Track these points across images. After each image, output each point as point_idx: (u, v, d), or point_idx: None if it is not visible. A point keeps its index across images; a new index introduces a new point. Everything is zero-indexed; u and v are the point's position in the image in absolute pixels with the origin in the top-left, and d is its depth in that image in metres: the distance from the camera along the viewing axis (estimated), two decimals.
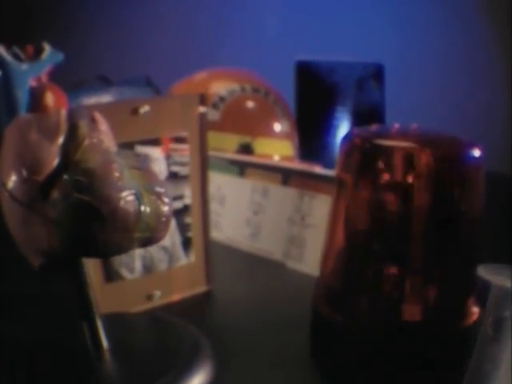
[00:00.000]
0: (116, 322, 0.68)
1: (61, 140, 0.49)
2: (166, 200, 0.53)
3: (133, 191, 0.50)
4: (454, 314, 0.71)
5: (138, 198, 0.50)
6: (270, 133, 1.25)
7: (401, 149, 0.69)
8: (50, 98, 0.63)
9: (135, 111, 0.80)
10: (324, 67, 1.40)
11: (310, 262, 0.94)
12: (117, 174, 0.49)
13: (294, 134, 1.30)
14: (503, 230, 0.92)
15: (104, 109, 0.77)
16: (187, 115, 0.85)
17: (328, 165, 1.01)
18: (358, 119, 1.40)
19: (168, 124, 0.83)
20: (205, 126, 0.86)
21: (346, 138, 0.72)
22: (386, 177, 0.70)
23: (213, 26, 1.87)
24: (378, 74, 1.42)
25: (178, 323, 0.68)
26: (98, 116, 0.54)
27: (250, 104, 1.25)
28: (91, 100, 1.23)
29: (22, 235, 0.51)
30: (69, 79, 1.27)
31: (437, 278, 0.70)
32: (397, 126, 0.74)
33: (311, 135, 1.38)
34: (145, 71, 1.40)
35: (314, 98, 1.42)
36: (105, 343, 0.61)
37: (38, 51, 0.68)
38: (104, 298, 0.76)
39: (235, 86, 1.25)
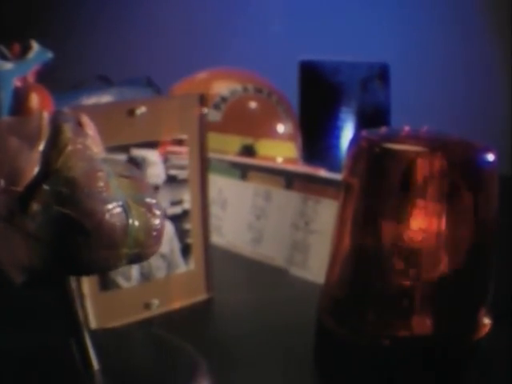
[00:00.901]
0: (109, 338, 0.63)
1: (42, 146, 0.44)
2: (158, 212, 0.48)
3: (120, 203, 0.45)
4: (466, 327, 0.68)
5: (126, 211, 0.45)
6: (272, 134, 1.22)
7: (412, 153, 0.65)
8: (34, 100, 0.58)
9: (131, 112, 0.76)
10: (328, 67, 1.39)
11: (314, 268, 0.91)
12: (102, 184, 0.44)
13: (297, 135, 1.28)
14: (503, 231, 0.89)
15: (98, 110, 0.75)
16: (186, 116, 0.81)
17: (332, 167, 0.99)
18: (363, 120, 1.38)
19: (166, 126, 0.79)
20: (204, 127, 0.83)
21: (354, 140, 0.68)
22: (396, 182, 0.65)
23: (215, 25, 1.85)
24: (383, 73, 1.40)
25: (173, 341, 0.63)
26: (85, 119, 0.49)
27: (253, 104, 1.22)
28: (91, 100, 1.19)
29: (1, 250, 0.46)
30: (69, 79, 1.28)
31: (448, 289, 0.67)
32: (407, 128, 0.69)
33: (315, 137, 1.37)
34: (146, 71, 1.37)
35: (317, 98, 1.41)
36: (95, 363, 0.56)
37: (25, 49, 0.63)
38: (99, 307, 0.75)
39: (237, 86, 1.22)
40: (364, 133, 0.68)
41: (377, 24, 1.69)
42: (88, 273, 0.48)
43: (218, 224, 1.04)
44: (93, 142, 0.47)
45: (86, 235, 0.43)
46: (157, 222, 0.48)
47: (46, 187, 0.43)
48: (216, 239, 0.99)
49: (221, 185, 1.05)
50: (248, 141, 1.18)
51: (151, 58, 1.78)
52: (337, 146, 1.38)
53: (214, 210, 1.04)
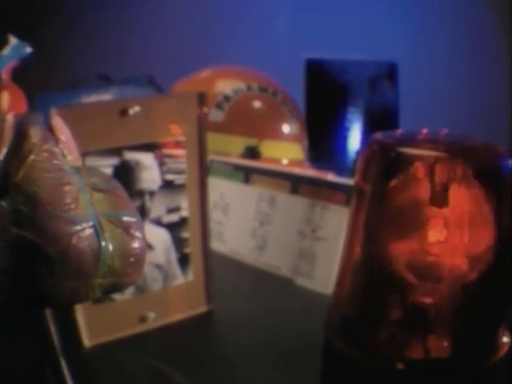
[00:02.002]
0: (98, 365, 0.57)
1: (2, 154, 0.37)
2: (138, 234, 0.40)
3: (90, 223, 0.38)
4: (486, 347, 0.62)
5: (98, 233, 0.38)
6: (278, 135, 1.19)
7: (430, 158, 0.59)
8: (5, 100, 0.52)
9: (124, 112, 0.71)
10: (335, 66, 1.38)
11: (321, 278, 0.87)
12: (69, 201, 0.37)
13: (303, 136, 1.24)
14: None
15: (88, 110, 0.71)
16: (184, 116, 0.76)
17: (339, 170, 0.97)
18: (371, 121, 1.36)
19: (162, 126, 0.74)
20: (204, 128, 0.77)
21: (367, 143, 0.61)
22: (412, 189, 0.59)
23: (217, 22, 1.81)
24: (391, 73, 1.37)
25: (163, 372, 0.56)
26: (58, 122, 0.41)
27: (257, 104, 1.19)
28: (90, 99, 1.14)
29: None
30: (70, 78, 1.27)
31: (468, 306, 0.61)
32: (425, 131, 0.63)
33: (321, 138, 1.34)
34: (148, 70, 1.32)
35: (324, 98, 1.39)
36: None
37: (1, 44, 0.57)
38: (92, 321, 0.72)
39: (241, 85, 1.19)
40: (378, 135, 0.61)
41: (385, 21, 1.66)
42: (53, 306, 0.41)
43: (220, 230, 1.01)
44: (65, 148, 0.40)
45: (50, 263, 0.35)
46: (136, 245, 0.40)
47: (3, 204, 0.36)
48: (217, 246, 0.97)
49: (223, 189, 1.02)
50: (252, 142, 1.14)
51: (153, 57, 1.74)
52: (344, 148, 1.35)
53: (216, 215, 1.01)
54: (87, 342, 0.73)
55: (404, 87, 1.36)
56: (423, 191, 0.60)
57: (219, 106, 1.15)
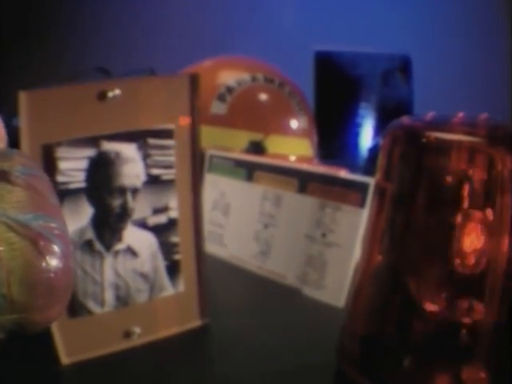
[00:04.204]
0: None
1: None
2: (54, 248, 0.26)
3: None
4: None
5: None
6: (285, 129, 1.13)
7: (468, 145, 0.48)
8: None
9: (102, 96, 0.62)
10: (346, 58, 1.34)
11: (331, 289, 0.78)
12: None
13: (312, 131, 1.18)
14: None
15: (60, 93, 0.62)
16: (173, 101, 0.66)
17: (351, 169, 0.90)
18: (384, 116, 1.31)
19: (147, 113, 0.64)
20: (197, 115, 0.67)
21: (392, 130, 0.49)
22: (446, 186, 0.47)
23: (224, 14, 1.76)
24: (404, 66, 1.34)
25: None
26: None
27: (262, 96, 1.13)
28: None
29: None
30: (71, 71, 1.19)
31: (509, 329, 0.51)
32: (461, 115, 0.50)
33: (331, 134, 1.29)
34: (151, 63, 1.25)
35: (334, 92, 1.34)
36: None
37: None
38: (69, 336, 0.63)
39: (245, 76, 1.12)
40: (403, 119, 0.49)
41: (398, 12, 1.60)
42: None
43: (219, 233, 0.93)
44: None
45: None
46: (49, 265, 0.26)
47: None
48: (216, 250, 0.91)
49: (223, 187, 0.94)
50: (256, 137, 1.07)
51: (155, 49, 1.69)
52: (355, 145, 1.32)
53: (215, 216, 0.94)
54: (64, 359, 0.64)
55: (418, 81, 1.32)
56: (460, 189, 0.49)
57: (221, 98, 1.09)
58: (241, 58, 1.21)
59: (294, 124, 1.13)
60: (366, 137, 1.30)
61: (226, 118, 1.07)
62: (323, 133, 1.22)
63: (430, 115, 0.52)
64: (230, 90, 1.09)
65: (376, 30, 1.53)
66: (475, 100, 1.49)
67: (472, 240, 0.52)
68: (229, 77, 1.11)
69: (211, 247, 0.90)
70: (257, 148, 1.06)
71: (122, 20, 1.77)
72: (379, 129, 1.30)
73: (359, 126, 1.32)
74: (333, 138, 1.27)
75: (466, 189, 0.49)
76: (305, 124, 1.15)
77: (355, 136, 1.31)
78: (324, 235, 0.80)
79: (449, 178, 0.49)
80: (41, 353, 0.64)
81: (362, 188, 0.76)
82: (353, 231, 0.75)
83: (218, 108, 1.07)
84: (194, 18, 1.72)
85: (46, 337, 0.63)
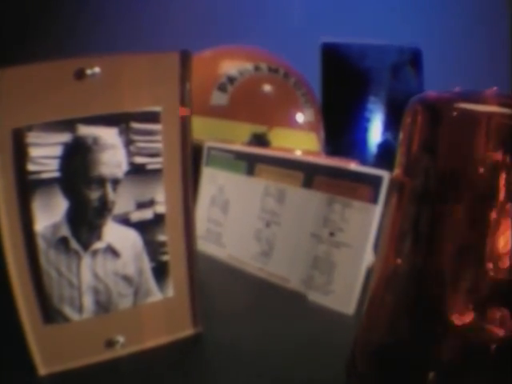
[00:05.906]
0: None
1: None
2: None
3: None
4: None
5: None
6: (289, 122, 1.06)
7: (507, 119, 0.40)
8: None
9: (80, 74, 0.54)
10: (354, 51, 1.29)
11: (340, 294, 0.71)
12: None
13: (319, 124, 1.11)
14: None
15: (31, 70, 0.54)
16: (161, 80, 0.57)
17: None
18: (393, 111, 1.25)
19: (130, 93, 0.56)
20: (188, 96, 0.58)
21: (416, 103, 0.40)
22: (480, 177, 0.40)
23: (230, 4, 1.68)
24: (414, 59, 1.30)
25: None
26: None
27: (266, 86, 1.05)
28: None
29: None
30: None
31: None
32: (494, 89, 0.42)
33: (339, 129, 1.23)
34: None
35: (342, 86, 1.28)
36: None
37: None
38: (45, 344, 0.57)
39: (248, 65, 1.05)
40: (430, 92, 0.41)
41: (408, 3, 1.56)
42: None
43: (218, 231, 0.86)
44: None
45: None
46: None
47: None
48: (214, 250, 0.84)
49: (222, 181, 0.87)
50: (259, 129, 1.01)
51: (162, 40, 1.63)
52: (364, 140, 1.26)
53: (213, 213, 0.86)
54: (42, 369, 0.57)
55: (428, 75, 1.27)
56: (496, 179, 0.40)
57: (222, 88, 1.01)
58: (243, 47, 1.14)
59: (300, 117, 1.06)
60: (375, 132, 1.25)
61: (227, 110, 1.01)
62: (330, 128, 1.16)
63: (458, 89, 0.44)
64: (231, 79, 1.02)
65: (385, 22, 1.48)
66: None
67: (506, 239, 0.44)
68: (230, 66, 1.04)
69: (208, 247, 0.83)
70: (260, 141, 1.00)
71: (127, 9, 1.74)
72: (388, 124, 1.26)
73: (368, 121, 1.26)
74: (340, 133, 1.22)
75: (503, 178, 0.41)
76: (311, 117, 1.08)
77: (364, 131, 1.26)
78: (332, 234, 0.72)
79: (482, 165, 0.40)
80: (16, 363, 0.57)
81: (374, 182, 0.68)
82: (364, 230, 0.67)
83: (218, 99, 1.00)
84: (201, 9, 1.67)
85: (22, 346, 0.57)
